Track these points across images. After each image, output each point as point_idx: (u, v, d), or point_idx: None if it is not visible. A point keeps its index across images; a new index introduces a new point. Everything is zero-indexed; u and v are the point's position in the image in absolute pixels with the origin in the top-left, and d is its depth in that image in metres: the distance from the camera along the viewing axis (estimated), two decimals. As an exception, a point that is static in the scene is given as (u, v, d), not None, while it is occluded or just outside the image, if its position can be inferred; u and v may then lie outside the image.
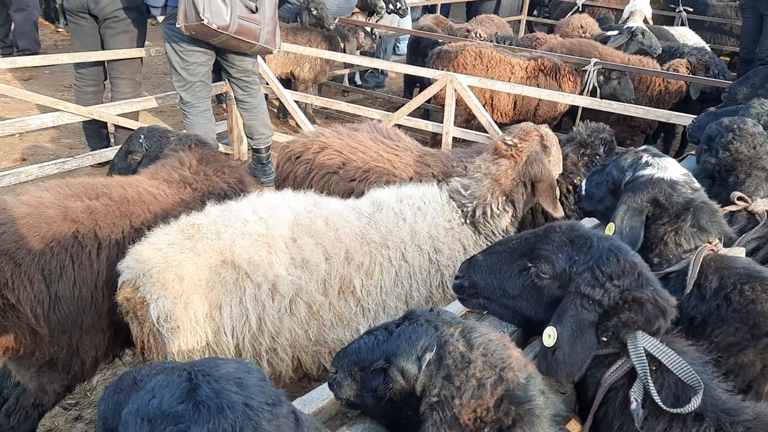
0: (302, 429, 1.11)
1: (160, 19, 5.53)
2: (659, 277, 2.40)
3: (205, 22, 4.82)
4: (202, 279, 2.48)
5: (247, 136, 6.44)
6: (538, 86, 6.63)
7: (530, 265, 2.04)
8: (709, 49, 8.17)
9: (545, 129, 3.38)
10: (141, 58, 6.19)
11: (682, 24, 10.55)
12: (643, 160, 2.62)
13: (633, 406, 1.74)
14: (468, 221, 3.15)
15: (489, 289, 2.16)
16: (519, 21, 12.38)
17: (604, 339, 1.84)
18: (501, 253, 2.16)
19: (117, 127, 6.21)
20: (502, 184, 3.19)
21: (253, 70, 5.91)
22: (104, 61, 6.00)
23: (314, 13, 8.25)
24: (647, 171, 2.58)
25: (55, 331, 2.69)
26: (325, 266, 2.70)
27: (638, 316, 1.80)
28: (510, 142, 3.21)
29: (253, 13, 5.20)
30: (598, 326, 1.84)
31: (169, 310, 2.41)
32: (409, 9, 9.93)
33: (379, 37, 9.70)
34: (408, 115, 6.58)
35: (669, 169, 2.57)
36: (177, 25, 4.93)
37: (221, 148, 6.58)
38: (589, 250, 1.92)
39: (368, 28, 9.02)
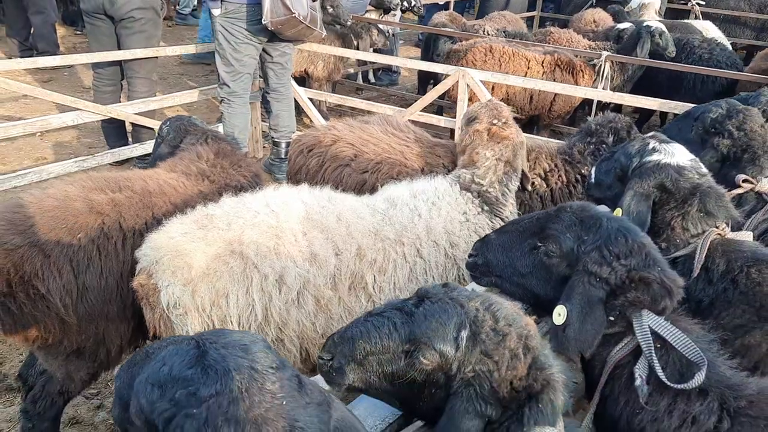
0: (305, 390, 1.16)
1: (216, 12, 5.63)
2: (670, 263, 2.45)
3: (295, 14, 5.32)
4: (210, 268, 2.54)
5: (271, 129, 6.58)
6: (554, 81, 6.64)
7: (540, 244, 2.08)
8: (726, 44, 8.11)
9: (495, 100, 3.53)
10: (156, 57, 6.29)
11: (695, 18, 10.46)
12: (650, 146, 2.65)
13: (637, 382, 1.78)
14: (484, 209, 3.20)
15: (501, 267, 2.19)
16: (532, 18, 12.36)
17: (611, 318, 1.87)
18: (512, 232, 2.21)
19: (134, 125, 6.31)
20: (512, 163, 3.28)
21: (291, 55, 6.29)
22: (121, 61, 6.10)
23: (330, 11, 8.25)
24: (654, 157, 2.61)
25: (82, 321, 2.77)
26: (334, 261, 2.73)
27: (645, 295, 1.84)
28: (500, 124, 3.30)
29: (314, 1, 5.75)
30: (606, 305, 1.88)
31: (178, 297, 2.48)
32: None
33: (393, 34, 9.73)
34: (421, 111, 6.61)
35: (676, 154, 2.60)
36: (264, 21, 5.32)
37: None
38: (599, 230, 1.96)
39: (381, 26, 9.06)
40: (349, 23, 8.30)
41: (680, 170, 2.54)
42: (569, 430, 1.52)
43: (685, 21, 9.86)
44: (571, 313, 1.85)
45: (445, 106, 8.30)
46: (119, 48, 6.03)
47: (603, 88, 6.59)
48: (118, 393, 1.33)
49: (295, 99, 7.36)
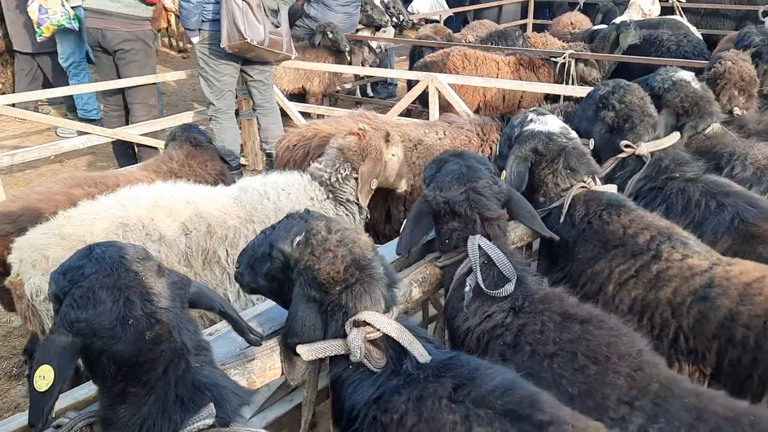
0: (164, 273, 1.68)
1: (195, 40, 6.34)
2: (546, 213, 2.94)
3: (248, 40, 5.94)
4: (66, 257, 2.77)
5: (262, 142, 7.21)
6: (520, 79, 7.13)
7: None
8: (697, 37, 8.47)
9: (394, 132, 3.91)
10: (154, 84, 6.95)
11: (679, 14, 10.79)
12: (528, 117, 3.14)
13: (465, 289, 2.27)
14: (330, 196, 3.56)
15: None
16: (525, 25, 12.83)
17: (447, 240, 2.39)
18: None
19: (140, 146, 6.98)
20: (346, 155, 3.62)
21: (270, 72, 6.92)
22: (123, 89, 6.79)
23: (330, 36, 8.88)
24: (530, 126, 3.09)
25: None
26: (184, 240, 3.07)
27: (458, 224, 2.36)
28: (361, 126, 3.73)
29: (277, 27, 6.36)
30: (439, 230, 2.45)
31: (38, 286, 2.81)
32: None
33: (385, 49, 10.33)
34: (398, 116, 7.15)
35: (548, 123, 3.08)
36: (221, 45, 6.00)
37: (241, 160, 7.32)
38: (441, 170, 2.54)
39: (373, 45, 9.65)
40: (347, 49, 8.92)
41: (550, 136, 3.01)
42: (403, 322, 1.99)
43: (673, 17, 10.24)
44: (407, 221, 2.44)
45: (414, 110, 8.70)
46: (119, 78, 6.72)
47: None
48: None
49: (285, 112, 8.00)
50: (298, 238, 1.99)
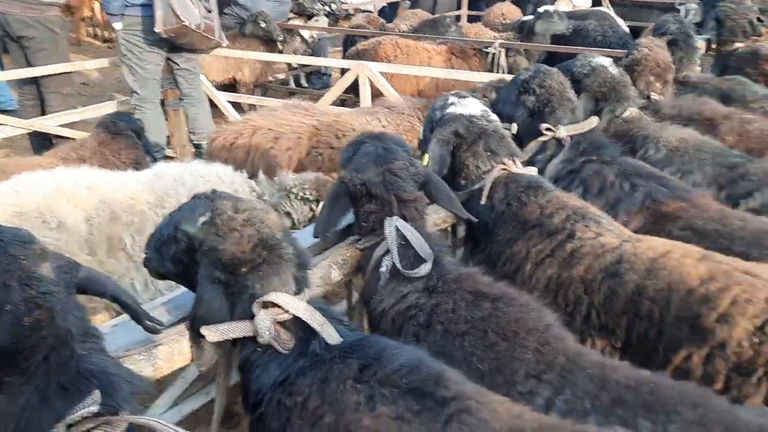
0: (49, 256, 1.57)
1: (117, 26, 6.07)
2: (468, 195, 2.93)
3: (186, 23, 5.73)
4: None
5: (190, 132, 7.00)
6: (452, 68, 7.16)
7: None
8: (623, 28, 8.71)
9: None
10: (69, 73, 6.65)
11: (606, 5, 11.05)
12: (450, 101, 3.12)
13: (382, 269, 2.24)
14: (261, 197, 3.47)
15: None
16: (459, 17, 12.90)
17: (364, 224, 2.35)
18: None
19: (57, 137, 6.67)
20: (319, 188, 3.61)
21: (197, 60, 6.76)
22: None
23: (262, 25, 8.68)
24: (451, 109, 3.07)
25: None
26: (85, 227, 2.95)
27: (375, 205, 2.33)
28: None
29: (209, 12, 6.17)
30: (358, 213, 2.40)
31: None
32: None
33: (318, 39, 10.20)
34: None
35: (469, 106, 3.07)
36: (156, 29, 5.73)
37: (167, 151, 7.09)
38: (358, 152, 2.48)
39: (305, 34, 9.51)
40: (281, 38, 8.75)
41: (471, 118, 3.00)
42: (315, 304, 1.93)
43: (600, 9, 10.48)
44: (325, 204, 2.40)
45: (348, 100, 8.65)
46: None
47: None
48: None
49: (212, 102, 7.80)
50: (202, 219, 1.91)
